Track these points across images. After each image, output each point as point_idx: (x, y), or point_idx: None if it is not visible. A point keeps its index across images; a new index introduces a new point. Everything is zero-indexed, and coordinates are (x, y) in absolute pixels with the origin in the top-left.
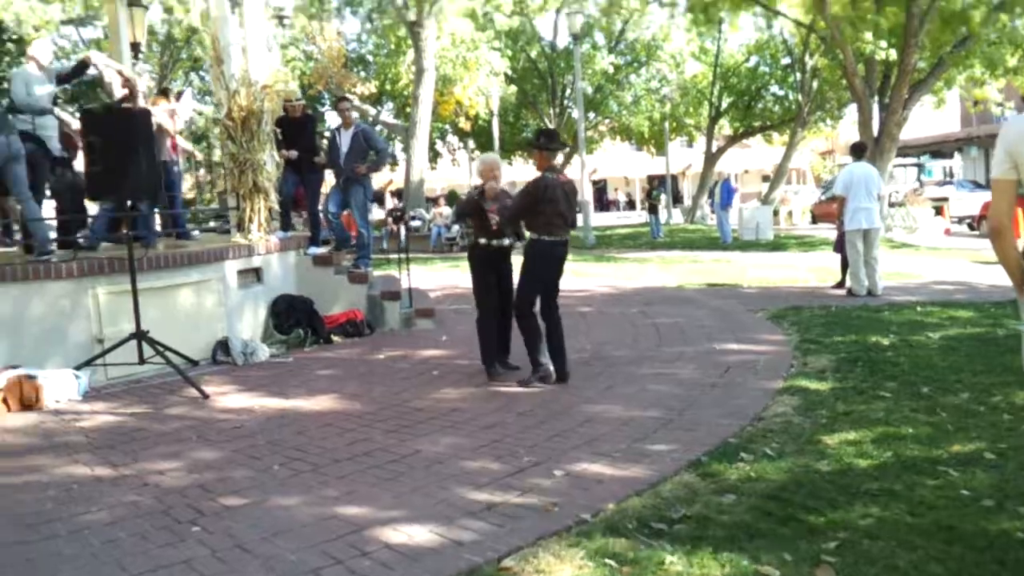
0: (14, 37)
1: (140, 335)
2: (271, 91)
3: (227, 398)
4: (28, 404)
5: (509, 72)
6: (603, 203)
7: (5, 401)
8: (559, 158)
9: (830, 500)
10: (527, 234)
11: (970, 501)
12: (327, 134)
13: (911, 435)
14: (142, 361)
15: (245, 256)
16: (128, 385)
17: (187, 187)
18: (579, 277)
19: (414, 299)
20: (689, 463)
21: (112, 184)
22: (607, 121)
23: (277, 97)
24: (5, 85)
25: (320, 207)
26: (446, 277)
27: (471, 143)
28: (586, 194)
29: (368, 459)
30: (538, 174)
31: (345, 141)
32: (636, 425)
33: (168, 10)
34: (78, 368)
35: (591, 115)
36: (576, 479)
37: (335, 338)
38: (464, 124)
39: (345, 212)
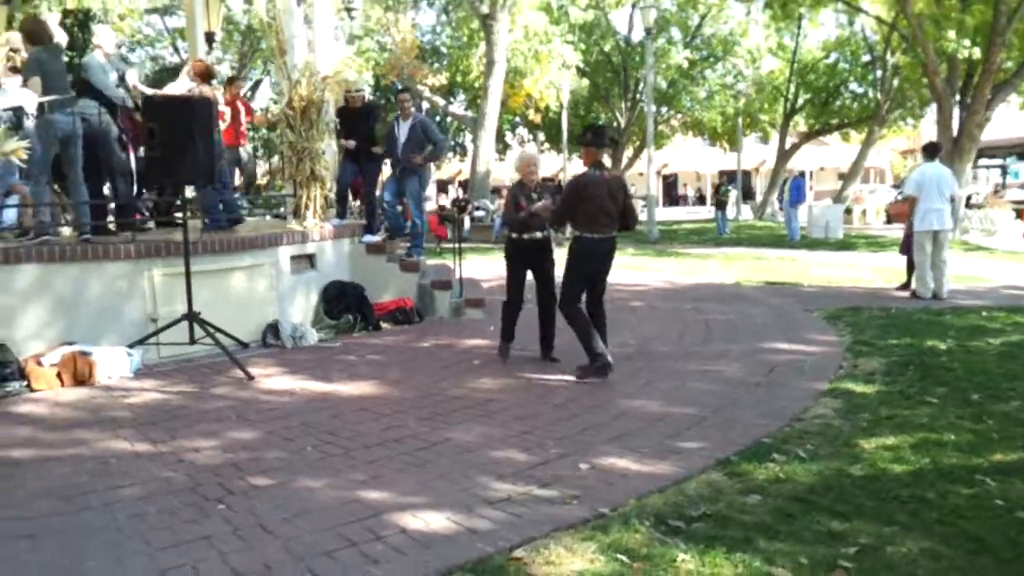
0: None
1: (192, 316)
2: (332, 82)
3: (271, 380)
4: (81, 379)
5: (581, 65)
6: (673, 198)
7: (60, 376)
8: (606, 155)
9: (857, 505)
10: (570, 230)
11: (1004, 512)
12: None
13: (952, 442)
14: (193, 341)
15: (299, 242)
16: (179, 364)
17: (261, 173)
18: (636, 271)
19: (466, 289)
20: (718, 462)
21: (170, 169)
22: (679, 116)
23: (338, 88)
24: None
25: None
26: (503, 268)
27: (541, 136)
28: (651, 188)
29: (398, 445)
30: (583, 170)
31: (403, 132)
32: (670, 421)
33: (248, 0)
34: (131, 346)
35: (664, 110)
36: (601, 473)
37: (384, 325)
38: (534, 117)
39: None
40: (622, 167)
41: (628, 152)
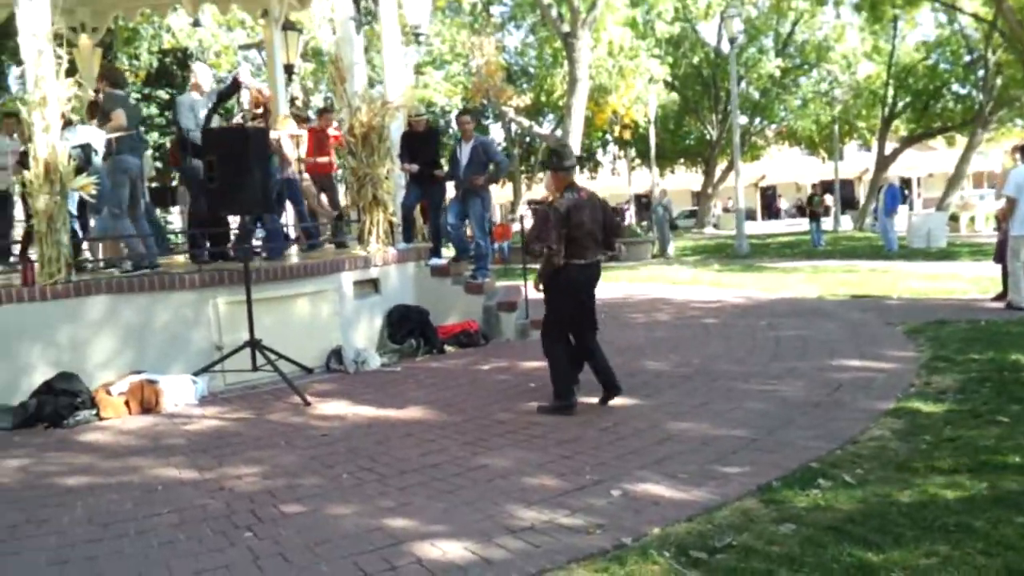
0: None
1: (253, 343)
2: (391, 107)
3: (326, 405)
4: (148, 407)
5: (669, 79)
6: (771, 210)
7: (128, 404)
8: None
9: (897, 535)
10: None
11: None
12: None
13: (1016, 465)
14: (255, 368)
15: (362, 267)
16: (243, 391)
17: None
18: (715, 288)
19: (534, 310)
20: (757, 487)
21: (229, 199)
22: (773, 126)
23: (398, 113)
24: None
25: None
26: None
27: (632, 152)
28: (740, 201)
29: (433, 471)
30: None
31: (465, 154)
32: (716, 445)
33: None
34: (196, 374)
35: (757, 120)
36: (631, 500)
37: (448, 348)
38: (623, 133)
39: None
40: (715, 180)
41: (721, 165)
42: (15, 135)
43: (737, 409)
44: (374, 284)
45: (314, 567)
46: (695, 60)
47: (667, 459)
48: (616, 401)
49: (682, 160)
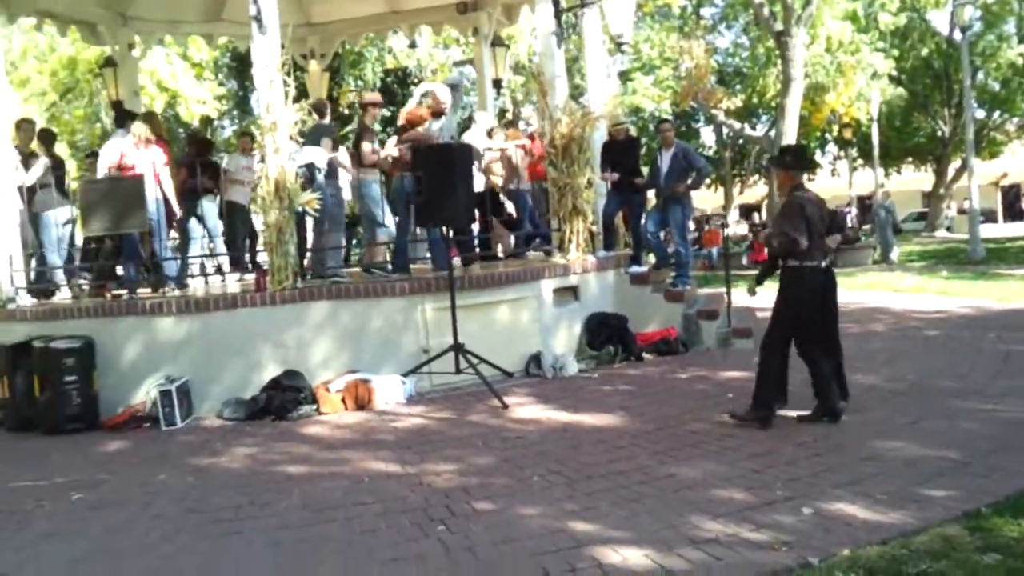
0: (416, 81)
1: (457, 347)
2: (591, 118)
3: (523, 409)
4: (361, 404)
5: (894, 73)
6: (1014, 211)
7: (344, 401)
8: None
9: None
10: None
11: None
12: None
13: None
14: (458, 371)
15: (561, 275)
16: (446, 392)
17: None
18: (942, 296)
19: (737, 317)
20: (963, 513)
21: (435, 212)
22: (1016, 119)
23: (599, 123)
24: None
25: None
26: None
27: (853, 152)
28: (974, 202)
29: (621, 478)
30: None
31: (665, 161)
32: (922, 466)
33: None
34: (405, 375)
35: (996, 114)
36: (823, 519)
37: (646, 356)
38: (844, 132)
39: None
40: (947, 180)
41: (955, 163)
42: (253, 152)
43: (951, 429)
44: (574, 291)
45: (499, 563)
46: (924, 52)
47: (866, 479)
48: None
49: (910, 159)
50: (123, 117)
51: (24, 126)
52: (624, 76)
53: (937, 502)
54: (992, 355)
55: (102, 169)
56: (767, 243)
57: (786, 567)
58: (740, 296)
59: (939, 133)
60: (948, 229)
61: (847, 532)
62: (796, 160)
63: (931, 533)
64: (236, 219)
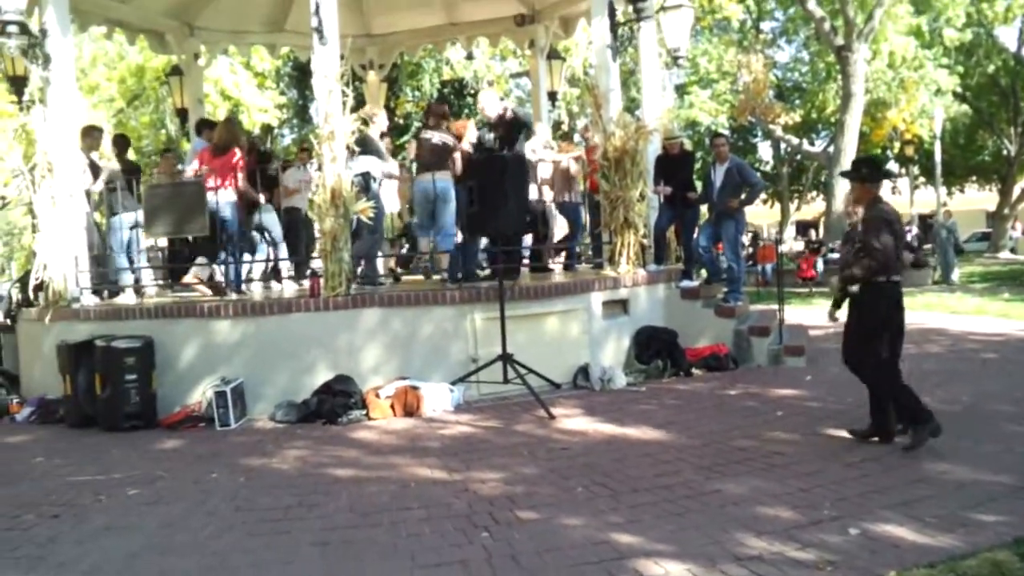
0: (472, 92)
1: (505, 357)
2: (644, 132)
3: (570, 420)
4: (410, 411)
5: (959, 90)
6: None
7: (393, 407)
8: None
9: None
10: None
11: None
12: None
13: None
14: (506, 380)
15: (611, 288)
16: (494, 401)
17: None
18: (1002, 319)
19: (789, 335)
20: (1014, 539)
21: (488, 221)
22: None
23: (652, 137)
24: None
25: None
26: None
27: (915, 169)
28: None
29: (665, 492)
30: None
31: (719, 176)
32: (975, 490)
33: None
34: (453, 383)
35: None
36: (869, 540)
37: (696, 371)
38: (906, 149)
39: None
40: (1012, 200)
41: (1021, 183)
42: (312, 161)
43: (1006, 453)
44: (623, 305)
45: (541, 571)
46: (990, 68)
47: (916, 501)
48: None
49: (974, 178)
50: (202, 125)
51: (93, 133)
52: (681, 89)
53: (988, 526)
54: None
55: (188, 175)
56: (853, 263)
57: None
58: (793, 313)
59: (1004, 152)
60: (1012, 251)
61: (894, 554)
62: (873, 172)
63: (980, 557)
64: (298, 224)
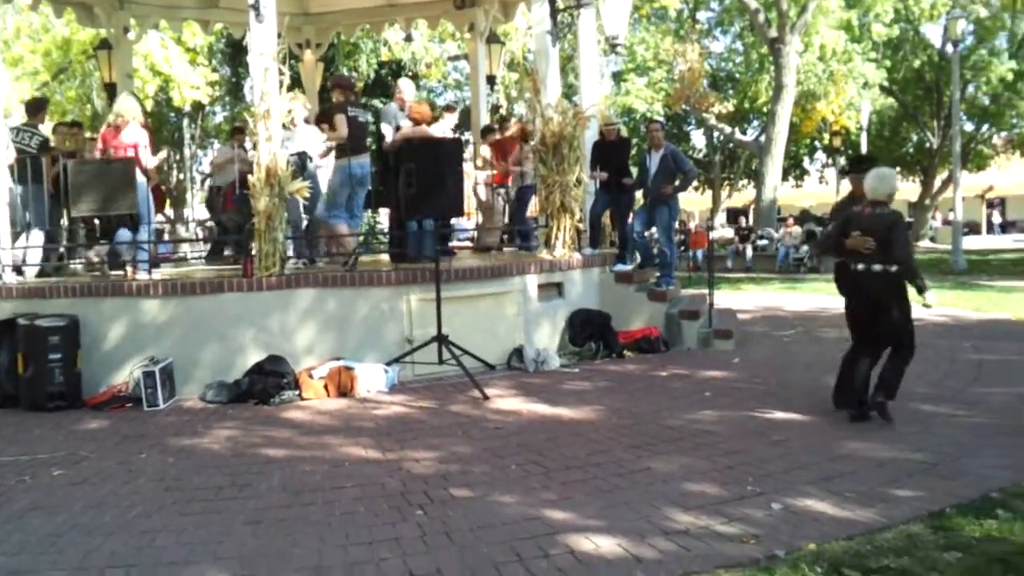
0: (410, 73)
1: (440, 339)
2: (582, 117)
3: (504, 401)
4: (344, 391)
5: (885, 83)
6: (998, 225)
7: (326, 387)
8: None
9: None
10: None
11: None
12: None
13: None
14: (441, 361)
15: (547, 271)
16: (429, 382)
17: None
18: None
19: (719, 319)
20: (928, 513)
21: (425, 203)
22: (1004, 134)
23: (588, 122)
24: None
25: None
26: (775, 299)
27: (841, 160)
28: (957, 214)
29: (597, 470)
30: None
31: (654, 162)
32: (892, 467)
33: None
34: (388, 364)
35: (985, 127)
36: (792, 515)
37: (628, 353)
38: (833, 140)
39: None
40: (933, 191)
41: (942, 175)
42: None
43: (922, 433)
44: (558, 287)
45: (474, 547)
46: (916, 64)
47: (836, 477)
48: (794, 416)
49: (898, 169)
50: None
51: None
52: (618, 77)
53: (904, 502)
54: (965, 364)
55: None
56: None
57: (752, 559)
58: (723, 297)
59: (927, 144)
60: (932, 240)
61: (815, 527)
62: (859, 165)
63: (896, 531)
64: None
